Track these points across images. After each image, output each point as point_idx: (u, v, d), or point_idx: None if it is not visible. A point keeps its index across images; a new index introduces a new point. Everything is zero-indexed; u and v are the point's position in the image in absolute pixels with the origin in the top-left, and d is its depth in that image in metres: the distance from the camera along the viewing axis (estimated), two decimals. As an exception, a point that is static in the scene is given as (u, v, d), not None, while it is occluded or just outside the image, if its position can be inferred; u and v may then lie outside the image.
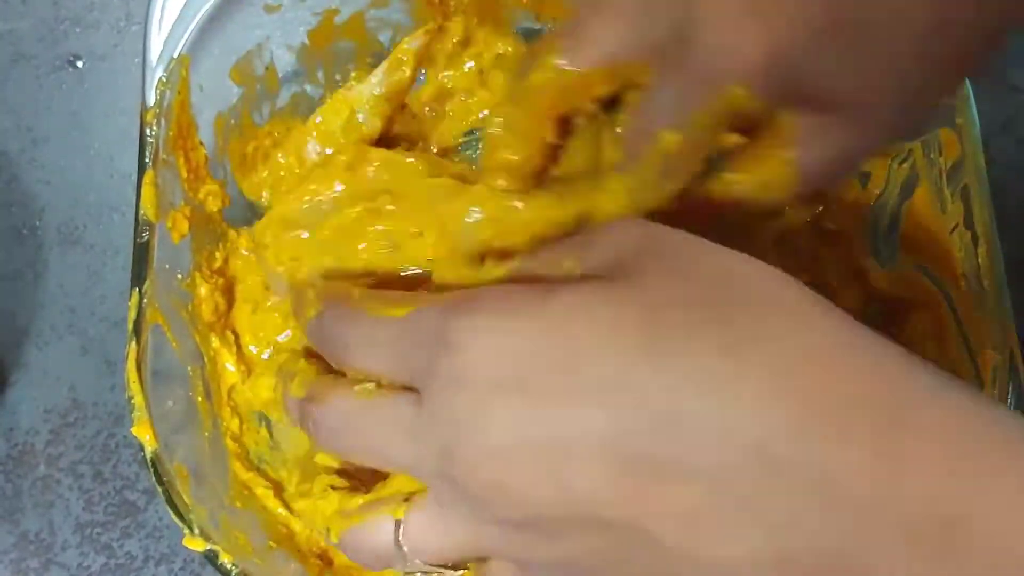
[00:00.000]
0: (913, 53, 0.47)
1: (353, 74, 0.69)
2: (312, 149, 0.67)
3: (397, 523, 0.46)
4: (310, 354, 0.53)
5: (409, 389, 0.44)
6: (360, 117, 0.67)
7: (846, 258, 0.66)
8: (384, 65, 0.68)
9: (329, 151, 0.66)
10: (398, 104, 0.68)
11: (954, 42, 0.47)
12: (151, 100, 0.61)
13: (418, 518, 0.46)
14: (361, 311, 0.47)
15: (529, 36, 0.69)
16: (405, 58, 0.67)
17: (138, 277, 0.58)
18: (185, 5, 0.62)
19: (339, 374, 0.49)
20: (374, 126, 0.67)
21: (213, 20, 0.63)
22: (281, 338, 0.64)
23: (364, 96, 0.67)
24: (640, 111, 0.50)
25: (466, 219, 0.54)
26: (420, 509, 0.46)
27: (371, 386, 0.46)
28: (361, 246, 0.58)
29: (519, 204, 0.52)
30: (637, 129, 0.50)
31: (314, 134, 0.67)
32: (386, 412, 0.45)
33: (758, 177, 0.52)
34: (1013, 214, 0.72)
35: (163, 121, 0.61)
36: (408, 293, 0.47)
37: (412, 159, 0.60)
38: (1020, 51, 0.77)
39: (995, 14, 0.47)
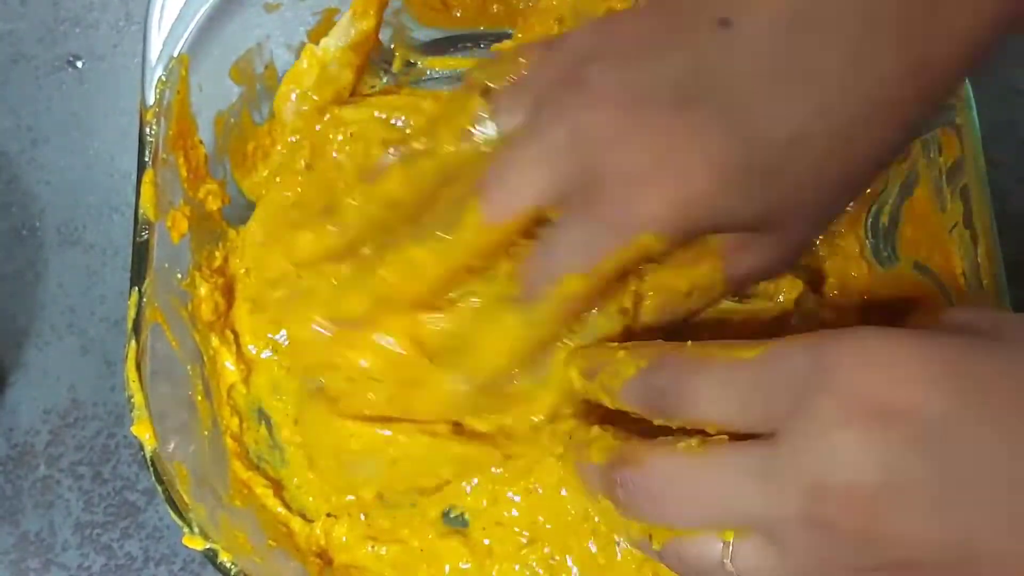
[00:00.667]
0: (813, 180, 0.49)
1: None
2: (289, 109, 0.67)
3: (725, 544, 0.45)
4: (602, 420, 0.52)
5: (748, 436, 0.44)
6: (331, 71, 0.67)
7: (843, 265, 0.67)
8: (347, 15, 0.68)
9: (306, 108, 0.67)
10: (365, 52, 0.69)
11: (850, 163, 0.49)
12: (151, 99, 0.61)
13: (747, 547, 0.44)
14: (707, 358, 0.46)
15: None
16: (368, 3, 0.67)
17: (137, 276, 0.58)
18: (184, 5, 0.63)
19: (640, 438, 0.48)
20: (346, 78, 0.67)
21: (212, 20, 0.63)
22: (278, 337, 0.65)
23: (331, 49, 0.67)
24: (544, 251, 0.50)
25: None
26: (747, 538, 0.44)
27: (695, 441, 0.45)
28: None
29: None
30: (539, 268, 0.50)
31: (291, 96, 0.67)
32: (729, 459, 0.43)
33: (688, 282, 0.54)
34: (1013, 215, 0.73)
35: (163, 120, 0.61)
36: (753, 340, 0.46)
37: None
38: (1022, 53, 0.77)
39: (886, 133, 0.49)
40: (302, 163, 0.67)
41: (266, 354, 0.64)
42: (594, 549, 0.58)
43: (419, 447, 0.58)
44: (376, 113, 0.67)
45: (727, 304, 0.59)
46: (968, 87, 0.61)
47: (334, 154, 0.66)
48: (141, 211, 0.59)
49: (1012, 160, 0.75)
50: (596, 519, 0.58)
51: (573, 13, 0.63)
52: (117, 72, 0.77)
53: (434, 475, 0.60)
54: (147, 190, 0.59)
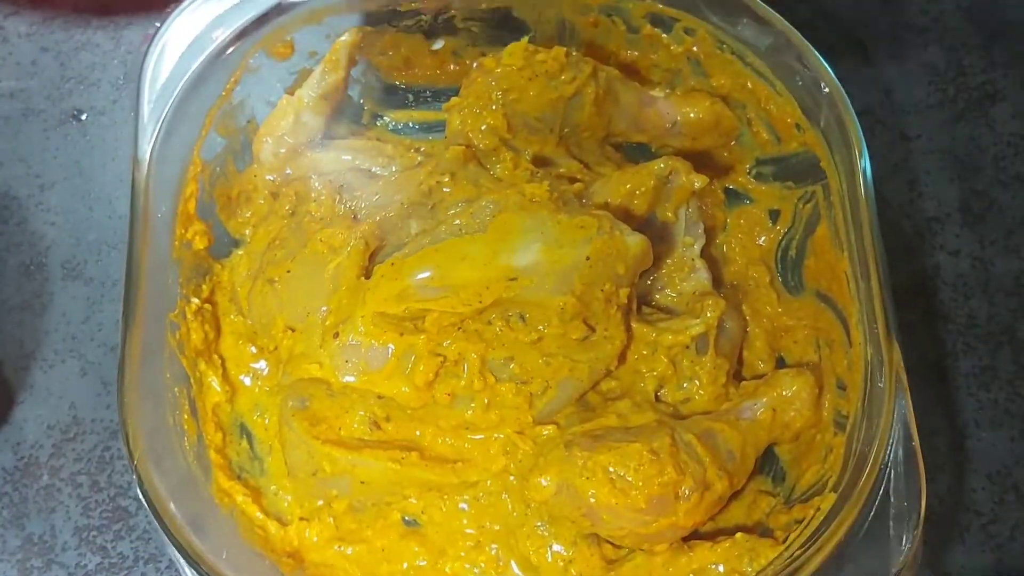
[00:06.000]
0: None
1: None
2: (267, 151, 0.73)
3: None
4: None
5: None
6: (304, 118, 0.73)
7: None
8: (320, 67, 0.74)
9: (282, 151, 0.72)
10: (335, 101, 0.75)
11: None
12: (143, 152, 0.67)
13: None
14: None
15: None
16: (339, 58, 0.74)
17: (128, 308, 0.64)
18: (175, 66, 0.69)
19: None
20: (317, 124, 0.74)
21: (199, 80, 0.69)
22: (257, 366, 0.71)
23: (305, 98, 0.74)
24: None
25: None
26: None
27: None
28: None
29: None
30: None
31: (268, 140, 0.73)
32: None
33: None
34: (902, 248, 0.80)
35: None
36: None
37: None
38: (910, 103, 0.85)
39: None
40: (287, 208, 0.72)
41: (247, 380, 0.71)
42: (531, 551, 0.64)
43: (387, 472, 0.65)
44: (343, 156, 0.73)
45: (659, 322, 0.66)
46: (861, 135, 0.67)
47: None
48: (135, 250, 0.65)
49: (901, 198, 0.82)
50: (537, 524, 0.64)
51: (506, 78, 0.70)
52: (117, 125, 0.83)
53: (399, 495, 0.66)
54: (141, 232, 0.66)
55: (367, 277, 0.66)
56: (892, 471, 0.60)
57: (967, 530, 0.73)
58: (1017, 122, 0.84)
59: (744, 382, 0.69)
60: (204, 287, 0.71)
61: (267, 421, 0.70)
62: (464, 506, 0.65)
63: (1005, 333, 0.78)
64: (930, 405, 0.75)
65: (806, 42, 0.69)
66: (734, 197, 0.76)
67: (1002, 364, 0.77)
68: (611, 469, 0.61)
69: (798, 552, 0.60)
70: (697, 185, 0.69)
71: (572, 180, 0.70)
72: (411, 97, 0.79)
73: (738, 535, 0.63)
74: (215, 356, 0.71)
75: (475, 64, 0.72)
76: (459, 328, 0.64)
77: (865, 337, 0.64)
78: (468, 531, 0.65)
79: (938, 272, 0.80)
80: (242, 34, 0.71)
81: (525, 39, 0.72)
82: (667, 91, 0.74)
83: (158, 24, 0.70)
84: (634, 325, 0.66)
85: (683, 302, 0.69)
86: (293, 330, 0.68)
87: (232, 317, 0.72)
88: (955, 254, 0.80)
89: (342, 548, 0.66)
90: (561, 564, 0.64)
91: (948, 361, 0.77)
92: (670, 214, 0.69)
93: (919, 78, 0.86)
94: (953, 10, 0.88)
